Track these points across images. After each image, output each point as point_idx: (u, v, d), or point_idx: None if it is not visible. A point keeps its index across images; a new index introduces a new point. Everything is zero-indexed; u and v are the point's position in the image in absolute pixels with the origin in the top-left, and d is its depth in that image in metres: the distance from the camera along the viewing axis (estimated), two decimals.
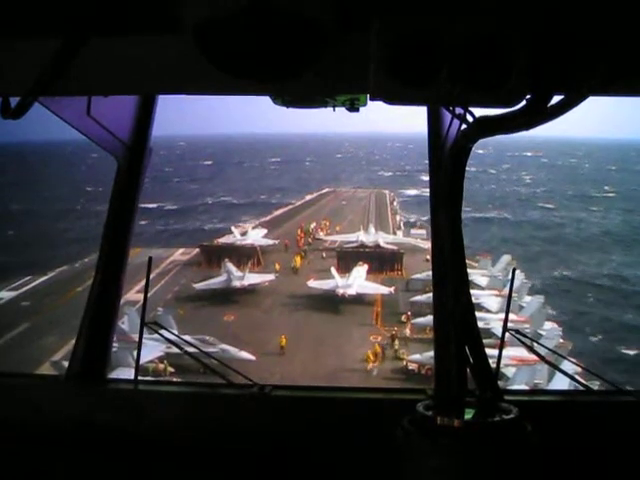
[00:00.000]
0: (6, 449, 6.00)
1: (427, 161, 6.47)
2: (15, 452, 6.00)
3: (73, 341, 6.84)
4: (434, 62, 3.09)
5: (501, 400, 4.06)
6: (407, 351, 48.01)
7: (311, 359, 46.37)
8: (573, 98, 3.20)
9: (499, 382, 5.21)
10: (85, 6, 3.35)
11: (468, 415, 3.85)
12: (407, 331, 52.18)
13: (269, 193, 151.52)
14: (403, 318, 53.79)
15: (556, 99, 3.25)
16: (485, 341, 4.23)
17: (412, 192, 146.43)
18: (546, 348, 10.00)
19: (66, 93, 4.33)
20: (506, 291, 54.72)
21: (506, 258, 68.82)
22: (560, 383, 32.56)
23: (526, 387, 37.45)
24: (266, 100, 4.88)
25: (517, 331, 6.82)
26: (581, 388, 7.33)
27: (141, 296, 7.28)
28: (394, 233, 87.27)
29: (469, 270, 4.69)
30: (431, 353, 8.03)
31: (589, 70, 3.26)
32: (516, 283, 51.46)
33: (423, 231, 79.64)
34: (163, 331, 7.11)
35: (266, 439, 5.99)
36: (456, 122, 5.27)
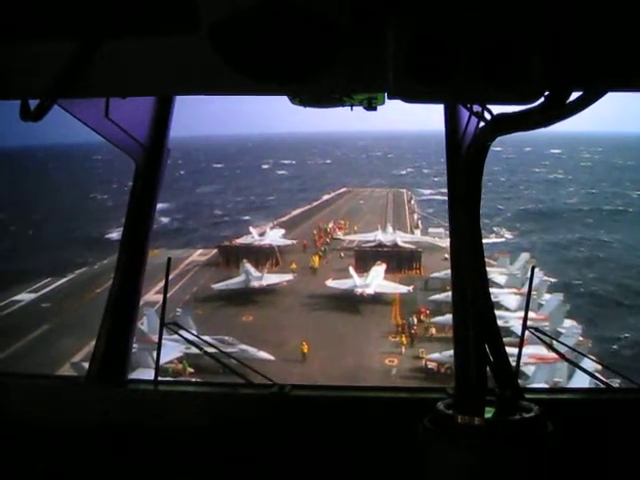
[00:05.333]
0: (27, 449, 6.04)
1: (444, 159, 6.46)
2: (36, 452, 6.03)
3: (93, 342, 6.87)
4: (452, 59, 3.07)
5: (521, 398, 4.05)
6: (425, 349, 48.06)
7: (332, 360, 46.31)
8: (592, 94, 3.17)
9: (519, 380, 5.20)
10: (102, 8, 3.36)
11: (489, 414, 3.84)
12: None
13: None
14: (422, 317, 53.72)
15: (575, 95, 3.22)
16: (504, 339, 4.23)
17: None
18: (566, 346, 9.92)
19: (84, 95, 4.34)
20: (525, 289, 54.57)
21: (525, 256, 68.60)
22: (580, 381, 32.29)
23: (546, 385, 37.31)
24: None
25: (536, 329, 6.78)
26: (602, 386, 7.29)
27: (160, 297, 7.29)
28: (412, 232, 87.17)
29: (487, 268, 4.69)
30: (450, 352, 8.00)
31: (608, 65, 3.24)
32: (535, 281, 51.08)
33: (441, 229, 79.46)
34: (182, 331, 7.11)
35: (286, 439, 5.99)
36: (474, 120, 5.26)
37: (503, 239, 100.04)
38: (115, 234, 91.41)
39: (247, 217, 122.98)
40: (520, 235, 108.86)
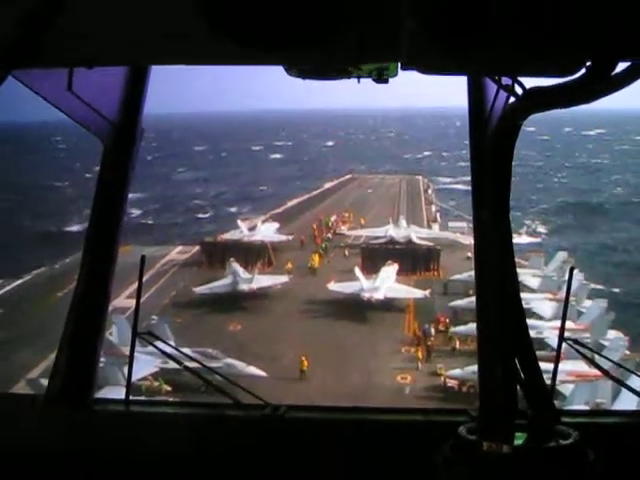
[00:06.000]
0: None
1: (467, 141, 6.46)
2: None
3: (53, 355, 6.87)
4: (478, 24, 3.04)
5: (558, 422, 4.04)
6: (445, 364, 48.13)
7: (335, 377, 46.28)
8: None
9: (554, 401, 5.20)
10: None
11: (519, 440, 3.83)
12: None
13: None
14: (440, 326, 53.76)
15: (622, 66, 3.20)
16: (538, 353, 4.22)
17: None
18: (610, 361, 9.93)
19: (43, 65, 4.33)
20: (562, 294, 54.45)
21: (562, 255, 68.47)
22: (626, 403, 32.30)
23: (587, 407, 37.29)
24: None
25: (575, 341, 6.79)
26: None
27: (132, 302, 7.31)
28: (429, 226, 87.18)
29: (518, 270, 4.68)
30: (474, 367, 7.99)
31: None
32: (574, 284, 50.98)
33: (463, 223, 79.45)
34: (158, 343, 7.14)
35: (280, 468, 5.99)
36: (502, 95, 5.25)
37: (538, 239, 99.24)
38: (76, 227, 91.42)
39: (233, 209, 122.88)
40: (555, 232, 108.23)
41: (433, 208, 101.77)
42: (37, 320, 53.67)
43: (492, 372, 6.06)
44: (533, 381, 4.03)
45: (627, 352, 48.17)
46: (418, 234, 78.56)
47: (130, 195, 6.96)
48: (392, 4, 3.15)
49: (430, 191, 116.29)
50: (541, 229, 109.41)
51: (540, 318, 51.65)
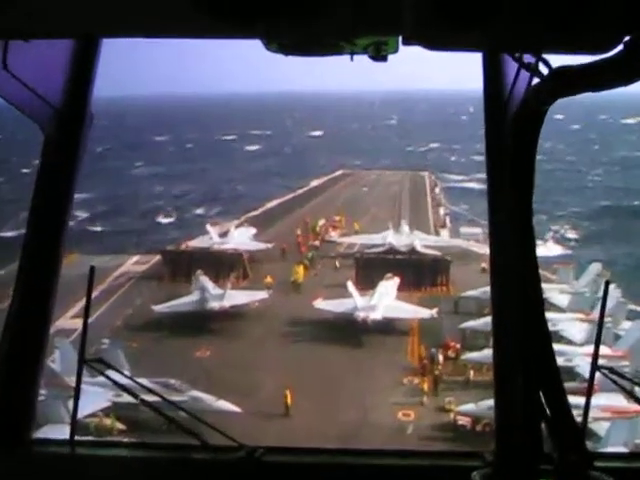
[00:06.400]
0: None
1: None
2: None
3: None
4: None
5: (590, 467, 4.05)
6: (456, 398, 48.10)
7: (324, 414, 46.16)
8: None
9: (587, 442, 5.21)
10: None
11: None
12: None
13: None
14: (450, 352, 53.73)
15: None
16: (567, 385, 4.23)
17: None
18: None
19: None
20: (595, 314, 54.46)
21: (595, 267, 68.38)
22: None
23: (624, 449, 37.29)
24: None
25: (611, 370, 6.79)
26: None
27: (79, 322, 7.28)
28: (437, 233, 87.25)
29: (544, 285, 4.67)
30: (490, 402, 7.99)
31: None
32: (610, 302, 51.00)
33: (478, 229, 79.55)
34: (110, 372, 7.09)
35: None
36: (524, 76, 5.26)
37: (568, 251, 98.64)
38: (11, 232, 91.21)
39: (201, 210, 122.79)
40: (588, 241, 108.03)
41: (441, 211, 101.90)
42: None
43: (512, 408, 6.07)
44: (561, 418, 4.04)
45: None
46: (423, 242, 78.71)
47: (76, 195, 6.90)
48: None
49: (438, 190, 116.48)
50: (571, 235, 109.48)
51: (569, 343, 51.72)
